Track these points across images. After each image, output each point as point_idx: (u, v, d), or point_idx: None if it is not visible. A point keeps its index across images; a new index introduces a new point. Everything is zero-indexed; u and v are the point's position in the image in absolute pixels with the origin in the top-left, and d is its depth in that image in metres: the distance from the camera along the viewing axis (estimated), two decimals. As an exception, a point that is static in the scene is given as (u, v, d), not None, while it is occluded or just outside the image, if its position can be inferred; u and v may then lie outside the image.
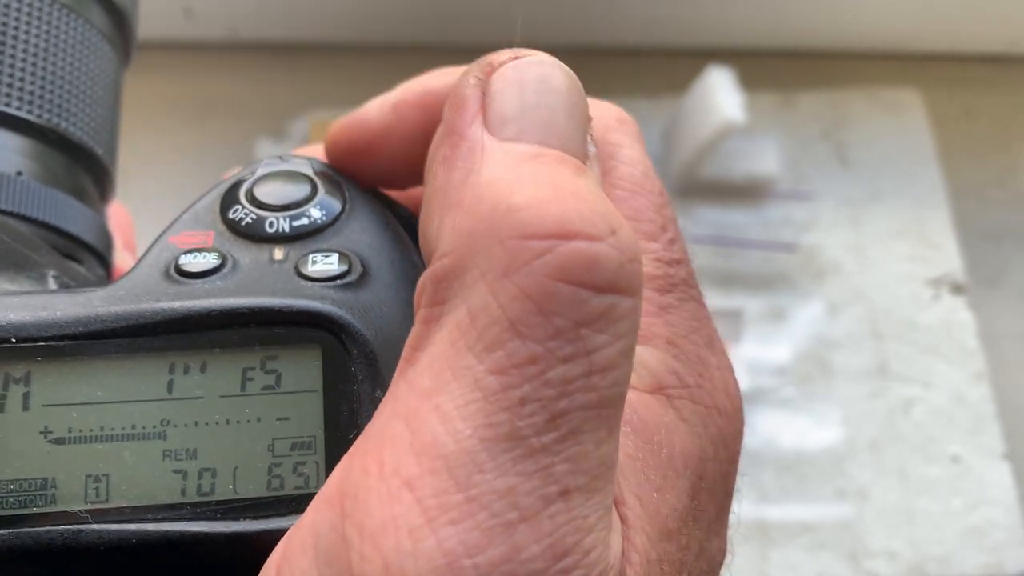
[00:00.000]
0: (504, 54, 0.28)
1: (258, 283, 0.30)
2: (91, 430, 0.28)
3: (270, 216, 0.32)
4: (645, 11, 0.97)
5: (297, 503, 0.28)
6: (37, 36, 0.39)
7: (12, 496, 0.28)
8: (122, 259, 0.45)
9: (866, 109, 1.00)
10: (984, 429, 0.86)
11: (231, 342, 0.29)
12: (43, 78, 0.39)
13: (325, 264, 0.31)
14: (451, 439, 0.23)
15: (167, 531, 0.28)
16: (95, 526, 0.28)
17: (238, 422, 0.29)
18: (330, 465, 0.28)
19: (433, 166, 0.28)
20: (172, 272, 0.31)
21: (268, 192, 0.33)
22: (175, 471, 0.29)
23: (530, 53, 0.28)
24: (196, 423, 0.29)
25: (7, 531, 0.28)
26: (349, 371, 0.29)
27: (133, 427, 0.29)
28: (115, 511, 0.28)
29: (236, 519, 0.28)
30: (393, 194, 0.36)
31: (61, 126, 0.39)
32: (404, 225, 0.34)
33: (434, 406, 0.24)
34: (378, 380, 0.29)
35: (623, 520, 0.26)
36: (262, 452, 0.29)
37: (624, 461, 0.27)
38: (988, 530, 0.82)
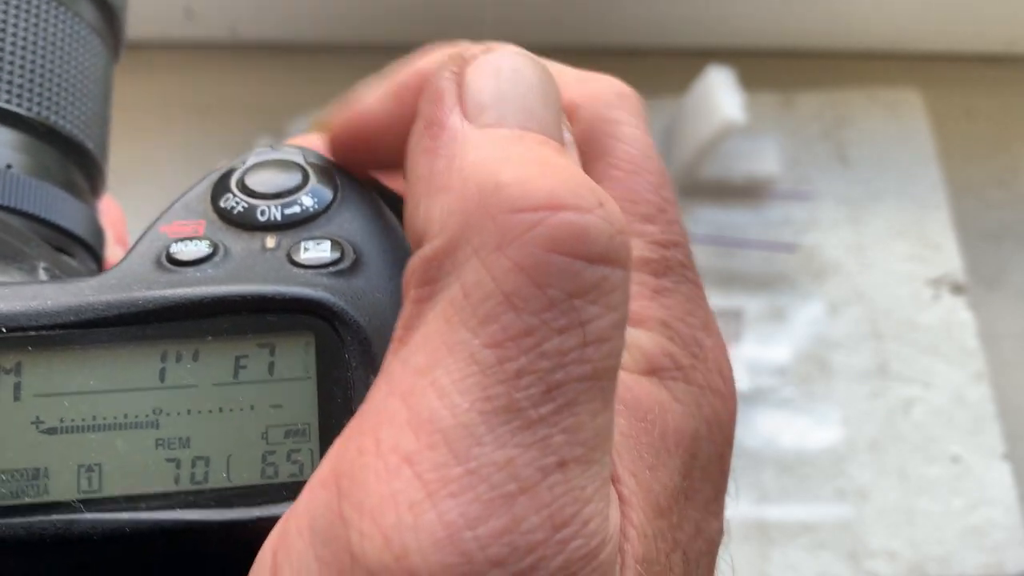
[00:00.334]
0: (476, 48, 0.29)
1: (250, 271, 0.30)
2: (83, 419, 0.28)
3: (261, 204, 0.32)
4: (645, 11, 0.97)
5: (291, 490, 0.28)
6: (27, 30, 0.39)
7: (4, 487, 0.28)
8: (114, 254, 0.45)
9: (866, 109, 1.00)
10: (984, 429, 0.86)
11: (223, 330, 0.29)
12: (33, 72, 0.39)
13: (317, 251, 0.31)
14: (449, 413, 0.23)
15: (161, 520, 0.28)
16: (88, 516, 0.28)
17: (231, 410, 0.29)
18: (324, 452, 0.27)
19: (414, 158, 0.28)
20: (163, 261, 0.31)
21: (259, 181, 0.33)
22: (168, 460, 0.28)
23: (501, 46, 0.29)
24: (189, 411, 0.29)
25: None
26: (343, 358, 0.29)
27: (125, 416, 0.28)
28: (108, 500, 0.28)
29: (230, 507, 0.28)
30: (386, 180, 0.36)
31: (51, 120, 0.39)
32: (395, 212, 0.34)
33: (430, 382, 0.24)
34: (372, 366, 0.29)
35: (620, 497, 0.26)
36: (256, 440, 0.29)
37: (619, 439, 0.27)
38: (988, 530, 0.82)
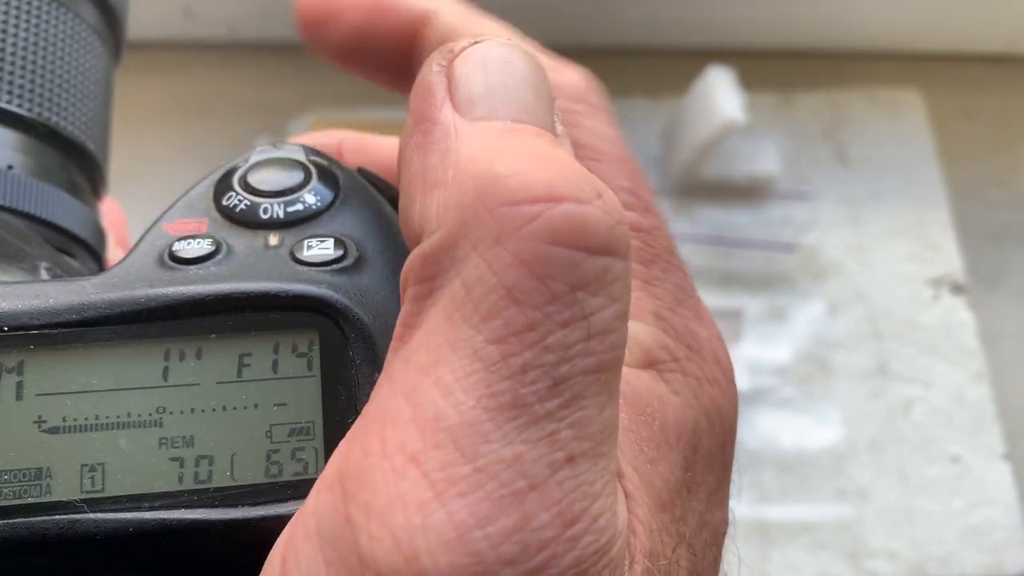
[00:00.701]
0: (463, 40, 0.28)
1: (253, 268, 0.30)
2: (86, 419, 0.28)
3: (264, 202, 0.32)
4: (645, 11, 0.97)
5: (296, 489, 0.28)
6: (27, 31, 0.39)
7: (6, 487, 0.28)
8: (115, 255, 0.45)
9: (866, 109, 1.00)
10: (984, 429, 0.86)
11: (227, 328, 0.29)
12: (34, 72, 0.39)
13: (321, 249, 0.31)
14: (454, 411, 0.23)
15: (164, 519, 0.28)
16: (91, 515, 0.28)
17: (235, 408, 0.29)
18: (329, 450, 0.27)
19: (406, 154, 0.28)
20: (166, 259, 0.31)
21: (262, 178, 0.33)
22: (172, 459, 0.28)
23: (489, 37, 0.29)
24: (192, 410, 0.29)
25: (2, 522, 0.28)
26: (347, 355, 0.29)
27: (128, 415, 0.28)
28: (111, 500, 0.28)
29: (234, 506, 0.28)
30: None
31: (52, 120, 0.39)
32: (397, 208, 0.34)
33: (434, 380, 0.24)
34: (376, 364, 0.28)
35: (625, 492, 0.26)
36: (260, 438, 0.29)
37: (620, 434, 0.27)
38: (988, 530, 0.82)
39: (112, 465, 0.28)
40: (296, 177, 0.33)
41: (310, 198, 0.32)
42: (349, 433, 0.25)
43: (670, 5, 0.96)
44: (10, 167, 0.37)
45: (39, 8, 0.40)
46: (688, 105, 0.91)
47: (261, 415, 0.29)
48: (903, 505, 0.82)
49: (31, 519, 0.28)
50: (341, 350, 0.29)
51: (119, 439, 0.28)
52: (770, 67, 1.00)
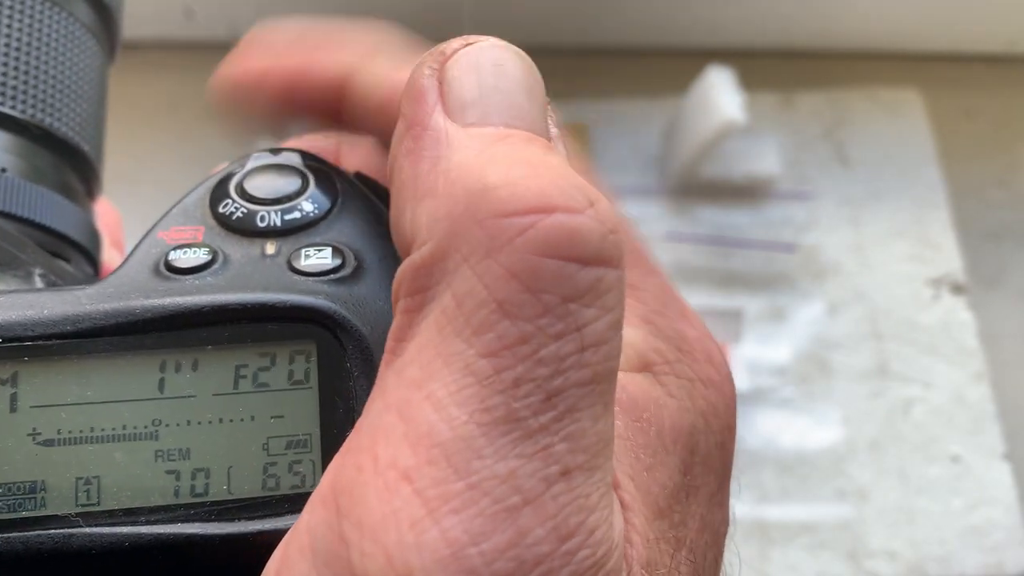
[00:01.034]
0: (455, 42, 0.28)
1: (250, 278, 0.30)
2: (81, 431, 0.28)
3: (261, 210, 0.32)
4: (645, 11, 0.97)
5: (293, 503, 0.28)
6: (20, 30, 0.39)
7: (0, 500, 0.27)
8: (110, 257, 0.45)
9: (866, 109, 1.00)
10: (984, 429, 0.86)
11: (223, 339, 0.29)
12: (27, 73, 0.38)
13: (318, 258, 0.30)
14: (446, 426, 0.23)
15: (160, 533, 0.27)
16: (86, 530, 0.27)
17: (231, 421, 0.28)
18: (326, 463, 0.27)
19: (397, 161, 0.27)
20: (162, 268, 0.30)
21: (259, 185, 0.33)
22: (168, 472, 0.28)
23: (482, 38, 0.28)
24: (188, 422, 0.28)
25: None
26: (344, 367, 0.29)
27: (124, 427, 0.28)
28: (107, 514, 0.28)
29: (231, 520, 0.28)
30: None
31: (46, 122, 0.39)
32: None
33: (426, 395, 0.23)
34: (374, 375, 0.28)
35: (621, 502, 0.26)
36: (257, 451, 0.28)
37: (615, 442, 0.27)
38: (988, 530, 0.82)
39: (107, 478, 0.28)
40: (293, 184, 0.33)
41: (307, 206, 0.32)
42: (343, 447, 0.25)
43: (670, 5, 0.96)
44: (3, 170, 0.37)
45: (32, 7, 0.39)
46: (688, 105, 0.91)
47: (258, 427, 0.28)
48: (903, 505, 0.82)
49: (25, 533, 0.27)
50: (339, 362, 0.29)
51: (114, 452, 0.28)
52: (770, 67, 1.00)
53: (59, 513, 0.28)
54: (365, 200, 0.33)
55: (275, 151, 0.35)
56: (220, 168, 0.35)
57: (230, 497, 0.28)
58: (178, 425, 0.28)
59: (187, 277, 0.30)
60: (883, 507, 0.82)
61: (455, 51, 0.28)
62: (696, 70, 0.90)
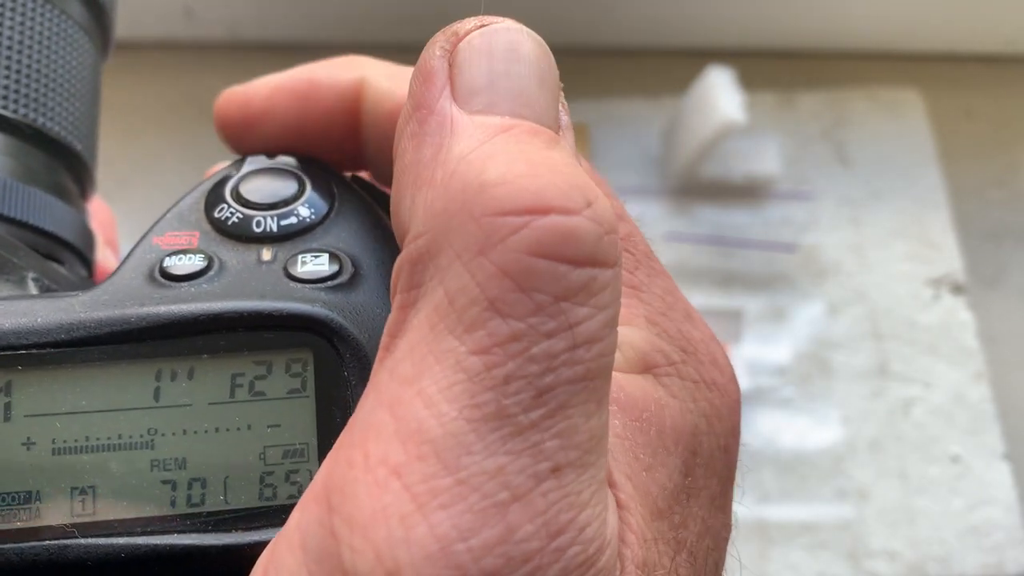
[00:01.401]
0: (470, 22, 0.27)
1: (246, 286, 0.30)
2: (76, 441, 0.28)
3: (257, 215, 0.32)
4: (645, 11, 0.97)
5: (291, 513, 0.28)
6: (12, 28, 0.38)
7: None
8: (104, 256, 0.44)
9: (866, 109, 1.00)
10: (984, 429, 0.86)
11: (219, 347, 0.28)
12: (19, 72, 0.38)
13: (315, 265, 0.30)
14: (436, 423, 0.23)
15: (156, 545, 0.27)
16: (82, 541, 0.27)
17: (228, 430, 0.28)
18: None
19: (402, 142, 0.27)
20: (157, 275, 0.30)
21: (255, 190, 0.32)
22: (164, 481, 0.28)
23: (496, 20, 0.28)
24: (184, 431, 0.28)
25: None
26: (341, 375, 0.28)
27: (119, 437, 0.28)
28: (102, 524, 0.27)
29: (228, 531, 0.28)
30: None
31: (38, 121, 0.38)
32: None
33: (417, 391, 0.23)
34: None
35: (617, 502, 0.26)
36: (253, 461, 0.28)
37: (614, 441, 0.27)
38: (988, 530, 0.82)
39: (103, 488, 0.28)
40: (290, 188, 0.32)
41: (304, 211, 0.32)
42: (336, 444, 0.25)
43: (670, 5, 0.96)
44: None
45: (24, 4, 0.39)
46: (688, 105, 0.91)
47: (254, 437, 0.28)
48: (903, 505, 0.82)
49: (20, 544, 0.27)
50: (336, 370, 0.28)
51: (110, 461, 0.28)
52: (770, 67, 1.00)
53: (54, 524, 0.27)
54: (362, 204, 0.33)
55: (271, 154, 0.34)
56: (216, 169, 0.34)
57: (227, 507, 0.28)
58: (174, 434, 0.28)
59: (182, 284, 0.30)
60: (883, 507, 0.82)
61: (468, 32, 0.27)
62: (696, 70, 0.90)
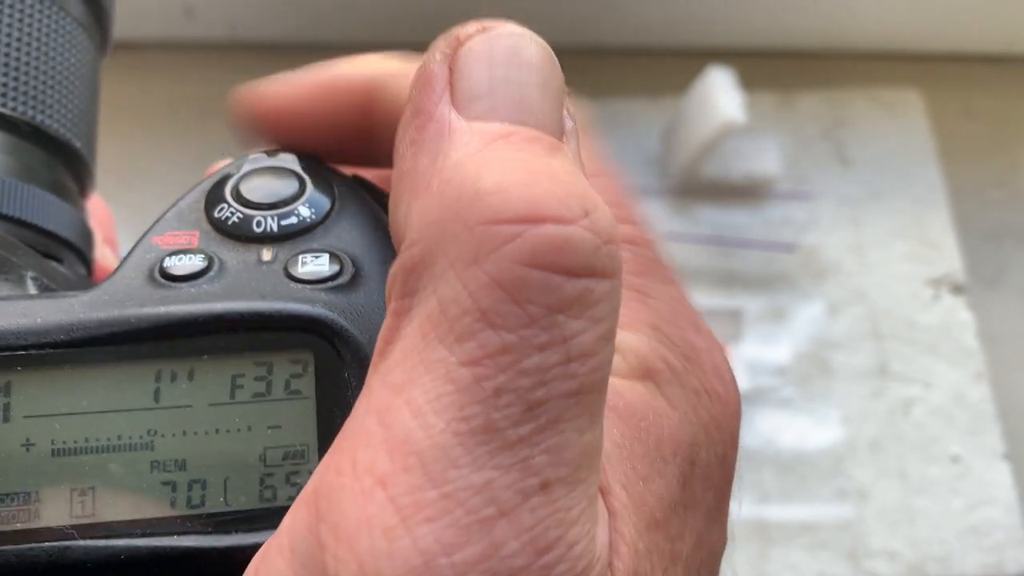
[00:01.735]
0: (471, 26, 0.27)
1: (246, 286, 0.29)
2: (75, 442, 0.27)
3: (257, 215, 0.31)
4: (645, 11, 0.97)
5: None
6: (10, 25, 0.38)
7: None
8: (103, 255, 0.44)
9: (866, 109, 1.00)
10: (984, 429, 0.86)
11: (219, 348, 0.28)
12: (16, 69, 0.38)
13: (316, 265, 0.30)
14: (424, 434, 0.22)
15: (157, 546, 0.27)
16: (81, 542, 0.27)
17: (228, 431, 0.28)
18: None
19: (400, 148, 0.27)
20: (157, 275, 0.30)
21: (255, 189, 0.32)
22: (164, 483, 0.28)
23: (499, 24, 0.27)
24: (184, 433, 0.28)
25: None
26: (342, 377, 0.28)
27: (119, 438, 0.28)
28: (102, 526, 0.27)
29: (228, 532, 0.28)
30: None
31: (37, 119, 0.38)
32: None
33: (406, 401, 0.23)
34: None
35: (610, 510, 0.25)
36: (254, 462, 0.28)
37: (610, 449, 0.26)
38: (988, 530, 0.82)
39: (103, 489, 0.27)
40: (290, 188, 0.32)
41: (304, 210, 0.32)
42: (330, 450, 0.25)
43: (670, 5, 0.96)
44: None
45: (22, 1, 0.39)
46: (688, 105, 0.91)
47: (255, 438, 0.28)
48: (903, 505, 0.82)
49: (19, 546, 0.27)
50: (337, 371, 0.28)
51: (110, 462, 0.27)
52: (770, 67, 1.00)
53: (53, 525, 0.27)
54: (363, 204, 0.33)
55: (271, 153, 0.34)
56: (216, 168, 0.34)
57: (227, 509, 0.28)
58: (174, 436, 0.28)
59: (182, 285, 0.29)
60: (883, 507, 0.82)
61: (469, 36, 0.27)
62: (696, 70, 0.90)
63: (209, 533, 0.28)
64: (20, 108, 0.38)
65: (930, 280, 0.92)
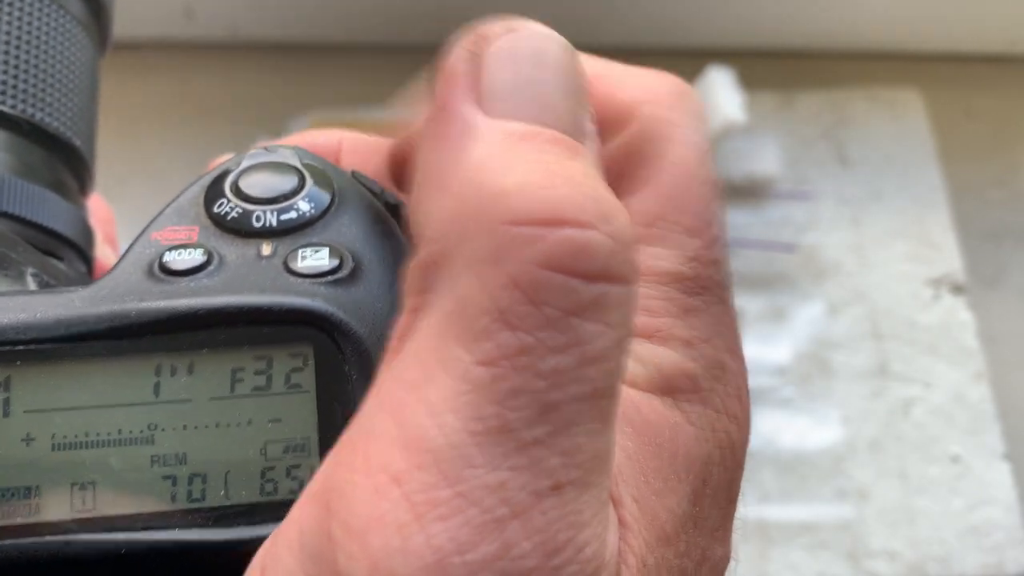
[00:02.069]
0: (498, 26, 0.27)
1: (246, 280, 0.29)
2: (75, 436, 0.27)
3: (257, 209, 0.31)
4: (645, 11, 0.97)
5: (292, 508, 0.28)
6: (9, 23, 0.38)
7: None
8: (103, 253, 0.44)
9: (866, 109, 1.00)
10: (984, 429, 0.86)
11: (219, 342, 0.28)
12: (17, 67, 0.38)
13: (315, 259, 0.30)
14: (439, 433, 0.22)
15: (157, 540, 0.27)
16: (82, 536, 0.27)
17: (228, 425, 0.28)
18: None
19: (424, 144, 0.27)
20: (156, 270, 0.30)
21: (254, 184, 0.32)
22: (164, 477, 0.28)
23: (524, 25, 0.27)
24: (185, 427, 0.28)
25: None
26: (343, 370, 0.28)
27: (119, 432, 0.28)
28: (103, 520, 0.27)
29: (229, 526, 0.28)
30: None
31: (36, 117, 0.38)
32: (393, 213, 0.33)
33: (421, 398, 0.23)
34: (373, 379, 0.28)
35: (621, 522, 0.25)
36: (254, 456, 0.28)
37: (623, 462, 0.26)
38: (988, 530, 0.82)
39: (103, 484, 0.27)
40: (290, 182, 0.32)
41: (304, 205, 0.32)
42: (338, 444, 0.25)
43: (670, 5, 0.96)
44: None
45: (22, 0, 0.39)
46: (688, 105, 0.90)
47: (255, 432, 0.28)
48: (903, 505, 0.82)
49: (20, 540, 0.27)
50: (337, 365, 0.28)
51: (110, 457, 0.27)
52: (770, 67, 1.00)
53: (54, 519, 0.27)
54: (363, 199, 0.33)
55: (271, 148, 0.34)
56: (216, 164, 0.34)
57: (228, 502, 0.28)
58: (174, 430, 0.28)
59: (182, 279, 0.30)
60: (883, 507, 0.82)
61: (497, 36, 0.27)
62: (696, 70, 0.90)
63: (210, 527, 0.28)
64: (20, 106, 0.38)
65: (930, 280, 0.92)
